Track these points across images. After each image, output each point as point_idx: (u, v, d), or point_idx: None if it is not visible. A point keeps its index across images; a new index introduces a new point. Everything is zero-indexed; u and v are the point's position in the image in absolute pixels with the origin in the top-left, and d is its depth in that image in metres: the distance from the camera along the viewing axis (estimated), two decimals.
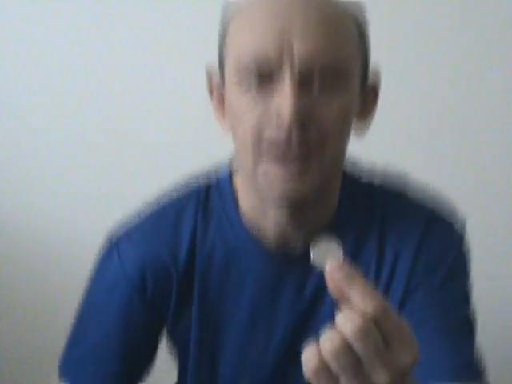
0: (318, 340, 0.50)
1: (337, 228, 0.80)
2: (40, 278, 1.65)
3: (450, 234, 0.82)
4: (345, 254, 0.77)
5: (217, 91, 0.77)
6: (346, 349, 0.48)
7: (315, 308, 0.80)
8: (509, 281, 1.61)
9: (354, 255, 0.80)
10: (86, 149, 1.54)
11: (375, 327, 0.49)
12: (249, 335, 0.81)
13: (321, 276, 0.77)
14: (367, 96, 0.77)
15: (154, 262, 0.80)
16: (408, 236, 0.80)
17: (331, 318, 0.75)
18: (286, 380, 0.82)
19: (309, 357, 0.50)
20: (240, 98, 0.70)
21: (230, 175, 0.83)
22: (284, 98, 0.67)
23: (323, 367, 0.49)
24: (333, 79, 0.69)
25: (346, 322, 0.48)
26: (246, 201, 0.80)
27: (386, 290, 0.79)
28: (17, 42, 1.50)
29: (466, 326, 0.79)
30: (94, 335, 0.82)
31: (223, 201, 0.82)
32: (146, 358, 0.85)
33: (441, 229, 0.81)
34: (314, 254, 0.55)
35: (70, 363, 0.83)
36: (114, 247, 0.81)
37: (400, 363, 0.49)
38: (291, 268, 0.80)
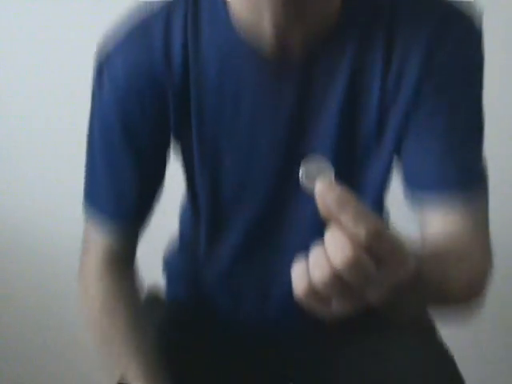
0: (307, 258, 0.48)
1: (339, 31, 0.73)
2: (40, 279, 1.65)
3: (466, 33, 0.73)
4: (346, 63, 0.72)
5: None
6: (336, 278, 0.46)
7: (314, 118, 0.75)
8: None
9: (356, 63, 0.73)
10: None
11: (367, 253, 0.46)
12: (249, 145, 0.77)
13: (321, 85, 0.74)
14: None
15: (146, 72, 0.75)
16: (419, 37, 0.72)
17: (331, 130, 0.74)
18: (286, 197, 0.80)
19: (297, 279, 0.48)
20: None
21: None
22: None
23: (313, 291, 0.48)
24: None
25: (337, 252, 0.46)
26: (239, 3, 0.72)
27: (394, 99, 0.74)
28: (17, 41, 1.50)
29: (474, 134, 0.76)
30: (105, 160, 0.80)
31: (213, 3, 0.74)
32: (157, 180, 0.83)
33: (456, 27, 0.73)
34: (303, 175, 0.52)
35: (91, 196, 0.84)
36: (104, 64, 0.77)
37: (393, 281, 0.48)
38: (290, 76, 0.74)
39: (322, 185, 0.47)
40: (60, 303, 1.64)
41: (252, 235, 0.83)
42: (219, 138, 0.77)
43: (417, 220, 0.77)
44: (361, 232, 0.45)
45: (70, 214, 1.65)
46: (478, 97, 0.76)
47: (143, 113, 0.76)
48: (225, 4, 0.74)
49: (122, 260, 0.85)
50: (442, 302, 0.69)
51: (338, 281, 0.47)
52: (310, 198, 0.77)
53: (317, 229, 0.54)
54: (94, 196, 0.84)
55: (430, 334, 0.88)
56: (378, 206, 0.85)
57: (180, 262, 0.96)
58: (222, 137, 0.77)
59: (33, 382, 1.72)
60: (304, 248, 0.84)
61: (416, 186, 0.76)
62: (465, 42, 0.73)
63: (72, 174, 1.59)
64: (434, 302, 0.69)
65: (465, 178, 0.74)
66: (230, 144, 0.77)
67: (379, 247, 0.46)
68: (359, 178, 0.78)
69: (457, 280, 0.66)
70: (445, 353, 0.84)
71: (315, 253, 0.48)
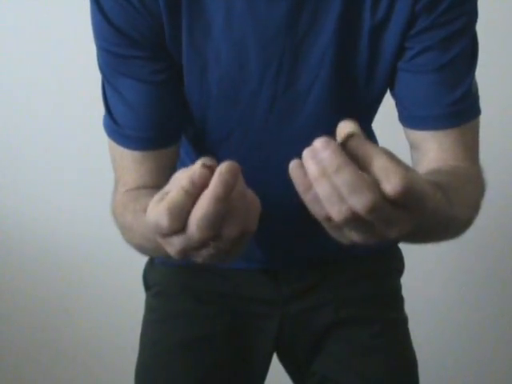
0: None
1: None
2: (40, 280, 1.65)
3: None
4: None
5: None
6: (354, 219, 0.46)
7: (310, 36, 0.74)
8: None
9: None
10: (86, 149, 1.54)
11: (390, 203, 0.46)
12: (238, 60, 0.75)
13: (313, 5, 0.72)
14: None
15: None
16: None
17: (325, 48, 0.74)
18: (278, 121, 0.79)
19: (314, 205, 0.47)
20: None
21: None
22: None
23: (329, 222, 0.48)
24: None
25: (358, 197, 0.45)
26: None
27: (385, 27, 0.74)
28: (17, 40, 1.50)
29: (467, 66, 0.77)
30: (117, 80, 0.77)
31: None
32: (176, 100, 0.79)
33: None
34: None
35: (113, 125, 0.82)
36: None
37: (411, 224, 0.48)
38: None
39: (352, 137, 0.46)
40: (61, 304, 1.63)
41: (246, 156, 0.81)
42: (206, 53, 0.75)
43: (412, 152, 0.80)
44: (388, 186, 0.45)
45: (70, 214, 1.65)
46: (472, 27, 0.76)
47: (137, 17, 0.73)
48: None
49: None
50: (444, 237, 0.71)
51: (357, 220, 0.46)
52: (304, 120, 0.76)
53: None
54: (114, 128, 0.82)
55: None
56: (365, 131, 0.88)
57: None
58: (210, 52, 0.75)
59: (33, 382, 1.72)
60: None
61: (410, 119, 0.78)
62: None
63: (72, 175, 1.60)
64: (437, 237, 0.71)
65: (457, 109, 0.76)
66: (218, 62, 0.75)
67: (405, 201, 0.46)
68: (351, 103, 0.78)
69: (459, 215, 0.67)
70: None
71: (331, 187, 0.46)
